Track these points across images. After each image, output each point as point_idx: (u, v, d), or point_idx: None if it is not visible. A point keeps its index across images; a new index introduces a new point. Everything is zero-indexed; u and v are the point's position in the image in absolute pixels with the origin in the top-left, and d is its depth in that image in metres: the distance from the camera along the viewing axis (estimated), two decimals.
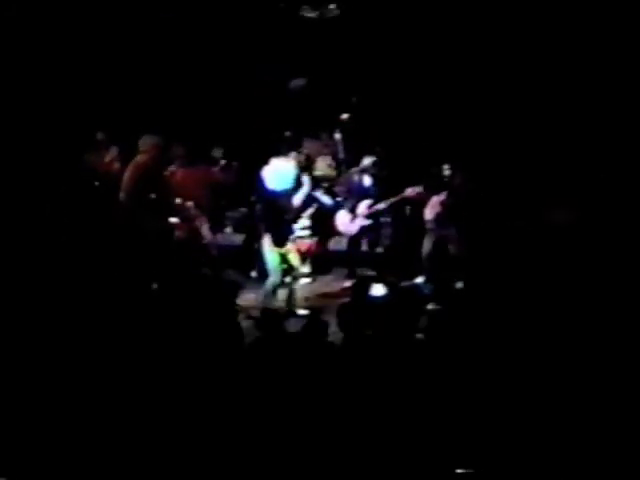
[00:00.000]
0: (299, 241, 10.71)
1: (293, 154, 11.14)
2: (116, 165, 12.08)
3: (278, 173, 10.21)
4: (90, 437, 6.17)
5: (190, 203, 11.10)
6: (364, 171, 11.45)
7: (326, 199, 11.72)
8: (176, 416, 6.31)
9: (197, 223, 11.16)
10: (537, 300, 8.71)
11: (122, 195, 10.84)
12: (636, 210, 10.37)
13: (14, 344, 7.25)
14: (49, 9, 12.53)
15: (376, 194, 11.37)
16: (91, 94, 12.64)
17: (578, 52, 11.89)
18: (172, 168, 11.26)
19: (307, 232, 10.97)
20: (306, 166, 11.64)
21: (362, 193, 11.40)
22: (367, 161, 11.46)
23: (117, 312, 7.95)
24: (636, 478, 6.06)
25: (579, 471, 6.08)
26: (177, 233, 11.14)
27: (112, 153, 12.26)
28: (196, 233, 11.15)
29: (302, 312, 10.27)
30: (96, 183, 12.16)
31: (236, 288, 8.59)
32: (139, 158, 10.82)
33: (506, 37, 12.28)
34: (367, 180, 11.46)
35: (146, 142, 10.84)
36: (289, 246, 10.18)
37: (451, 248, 11.18)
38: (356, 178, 11.53)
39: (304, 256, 11.18)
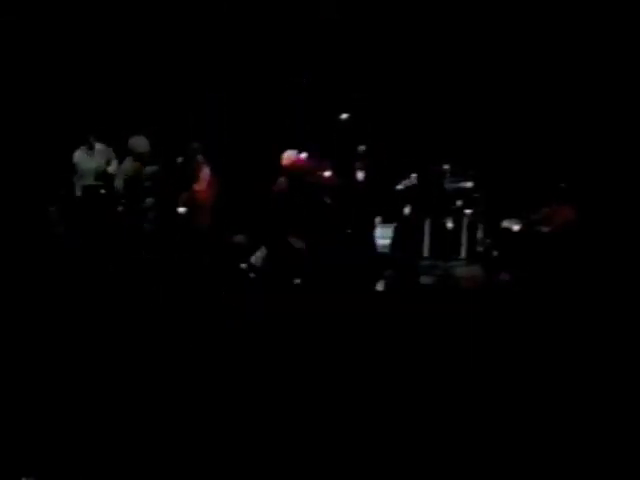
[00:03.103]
0: None
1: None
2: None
3: None
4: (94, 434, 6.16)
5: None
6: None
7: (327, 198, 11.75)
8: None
9: None
10: (535, 305, 8.75)
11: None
12: (636, 210, 10.41)
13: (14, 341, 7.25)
14: (46, 12, 12.56)
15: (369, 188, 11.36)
16: (86, 96, 12.63)
17: (577, 52, 11.92)
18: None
19: None
20: None
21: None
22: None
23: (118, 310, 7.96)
24: None
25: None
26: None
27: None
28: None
29: None
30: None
31: None
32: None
33: (506, 37, 12.31)
34: (360, 174, 11.44)
35: (138, 144, 10.79)
36: None
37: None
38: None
39: None
